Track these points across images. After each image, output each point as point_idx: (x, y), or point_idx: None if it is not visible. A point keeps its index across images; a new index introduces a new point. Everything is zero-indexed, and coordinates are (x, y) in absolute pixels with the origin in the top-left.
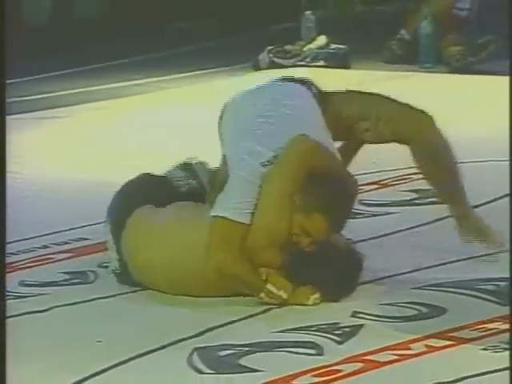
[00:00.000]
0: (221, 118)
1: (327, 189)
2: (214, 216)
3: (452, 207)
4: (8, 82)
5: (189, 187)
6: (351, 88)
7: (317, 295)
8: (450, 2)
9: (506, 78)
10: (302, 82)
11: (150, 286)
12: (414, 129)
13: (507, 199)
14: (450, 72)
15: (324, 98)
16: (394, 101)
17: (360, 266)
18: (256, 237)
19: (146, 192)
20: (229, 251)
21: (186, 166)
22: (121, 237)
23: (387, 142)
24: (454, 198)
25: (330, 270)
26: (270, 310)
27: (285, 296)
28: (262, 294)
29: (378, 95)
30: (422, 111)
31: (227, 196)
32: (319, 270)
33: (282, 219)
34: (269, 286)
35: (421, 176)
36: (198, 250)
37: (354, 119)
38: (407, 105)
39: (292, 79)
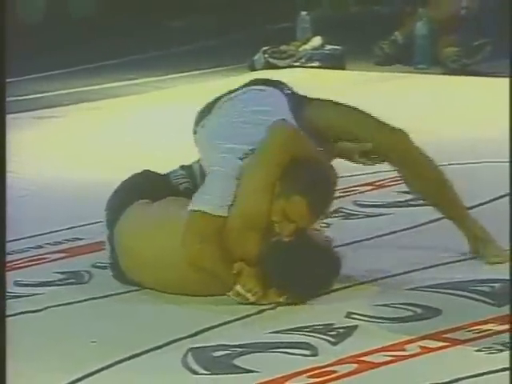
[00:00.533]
0: (200, 117)
1: (307, 172)
2: (192, 210)
3: (450, 215)
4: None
5: (186, 186)
6: (346, 89)
7: (287, 295)
8: (453, 9)
9: (501, 80)
10: (278, 86)
11: (137, 279)
12: (392, 145)
13: (503, 200)
14: (445, 73)
15: (299, 101)
16: (371, 116)
17: (337, 266)
18: (236, 221)
19: (143, 188)
20: (204, 243)
21: (185, 166)
22: (114, 228)
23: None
24: (448, 208)
25: (305, 267)
26: (264, 310)
27: (252, 299)
28: (231, 293)
29: (354, 109)
30: (395, 127)
31: (205, 191)
32: (295, 266)
33: (263, 204)
34: (237, 288)
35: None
36: (177, 243)
37: (328, 128)
38: (382, 121)
39: (266, 81)
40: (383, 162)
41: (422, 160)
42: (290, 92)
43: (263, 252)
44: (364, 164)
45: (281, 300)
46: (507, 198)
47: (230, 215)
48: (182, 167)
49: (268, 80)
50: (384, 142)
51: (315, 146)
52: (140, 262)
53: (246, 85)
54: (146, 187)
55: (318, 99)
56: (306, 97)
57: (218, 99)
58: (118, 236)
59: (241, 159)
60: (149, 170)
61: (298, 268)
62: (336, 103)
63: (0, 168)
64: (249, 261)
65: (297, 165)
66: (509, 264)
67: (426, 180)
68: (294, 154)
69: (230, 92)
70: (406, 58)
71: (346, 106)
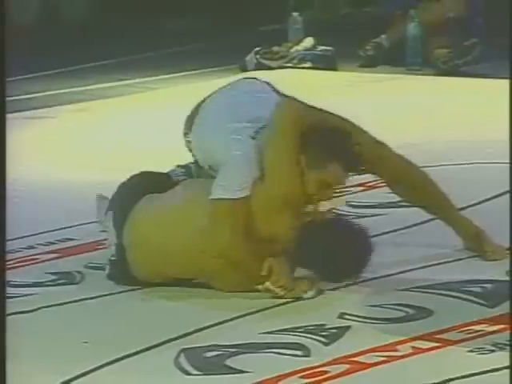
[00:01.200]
0: (191, 118)
1: (330, 137)
2: (212, 200)
3: (441, 218)
4: None
5: None
6: (338, 90)
7: (315, 289)
8: (443, 13)
9: (491, 81)
10: (264, 81)
11: (140, 272)
12: (378, 157)
13: (493, 201)
14: (436, 74)
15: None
16: (357, 127)
17: (370, 247)
18: (266, 200)
19: (147, 184)
20: (233, 234)
21: (182, 165)
22: (123, 226)
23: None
24: (441, 209)
25: (338, 249)
26: (257, 311)
27: (282, 293)
28: (260, 287)
29: (355, 126)
30: (378, 140)
31: (222, 177)
32: (329, 248)
33: (292, 178)
34: (267, 284)
35: None
36: (187, 230)
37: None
38: (367, 133)
39: (253, 78)
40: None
41: (405, 167)
42: (277, 90)
43: (298, 236)
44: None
45: (308, 294)
46: (497, 199)
47: (259, 195)
48: (180, 166)
49: (253, 77)
50: (370, 155)
51: (324, 114)
52: (152, 255)
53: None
54: (150, 184)
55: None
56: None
57: (202, 101)
58: (131, 231)
59: (253, 138)
60: (147, 171)
61: (333, 249)
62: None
63: (0, 168)
64: (280, 243)
65: (316, 134)
66: (509, 263)
67: (413, 186)
68: (307, 126)
69: (215, 91)
70: (395, 59)
71: (344, 119)
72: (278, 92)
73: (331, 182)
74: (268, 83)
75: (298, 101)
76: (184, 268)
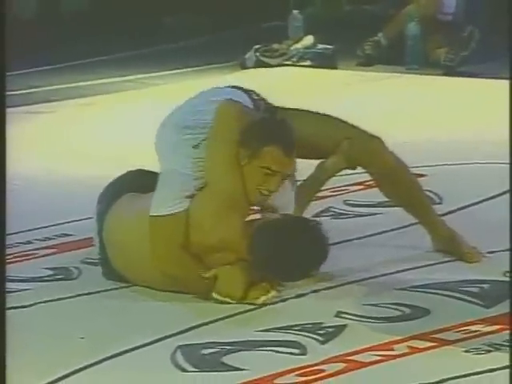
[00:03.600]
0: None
1: (264, 124)
2: (151, 216)
3: (420, 220)
4: None
5: None
6: (338, 88)
7: (270, 294)
8: (436, 7)
9: (492, 81)
10: (247, 91)
11: (126, 274)
12: (369, 152)
13: (493, 201)
14: (440, 74)
15: (270, 109)
16: (349, 124)
17: (325, 245)
18: (212, 204)
19: (135, 183)
20: (170, 250)
21: None
22: (103, 222)
23: (340, 169)
24: (420, 211)
25: (294, 247)
26: (253, 309)
27: (232, 301)
28: (211, 300)
29: (330, 117)
30: (373, 135)
31: (158, 193)
32: (283, 247)
33: (234, 178)
34: (214, 295)
35: None
36: (145, 238)
37: (304, 139)
38: (360, 128)
39: (237, 87)
40: (354, 168)
41: (395, 166)
42: (259, 98)
43: (249, 237)
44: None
45: (261, 300)
46: (497, 199)
47: (205, 203)
48: None
49: (238, 86)
50: (365, 150)
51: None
52: (127, 255)
53: (216, 87)
54: (138, 182)
55: (295, 109)
56: (280, 107)
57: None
58: (107, 229)
59: (195, 147)
60: (143, 169)
61: (288, 248)
62: (314, 113)
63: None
64: (232, 250)
65: (250, 127)
66: (509, 264)
67: (398, 185)
68: (245, 124)
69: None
70: (394, 58)
71: (324, 115)
72: (257, 101)
73: (270, 165)
74: (249, 93)
75: (238, 103)
76: (154, 277)
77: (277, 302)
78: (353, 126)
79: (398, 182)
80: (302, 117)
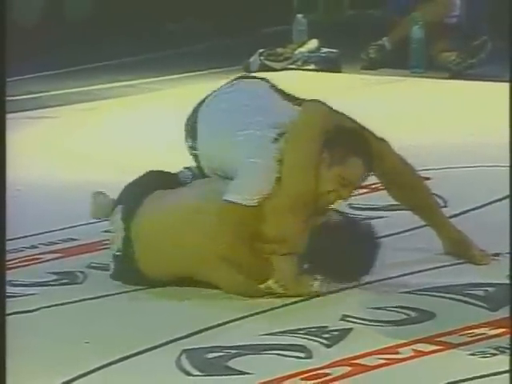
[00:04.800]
0: (191, 123)
1: (350, 136)
2: (226, 200)
3: (429, 222)
4: None
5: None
6: (343, 92)
7: (318, 282)
8: (441, 12)
9: (496, 84)
10: (260, 78)
11: (148, 267)
12: (376, 154)
13: (498, 204)
14: (445, 77)
15: (289, 97)
16: (357, 123)
17: (377, 246)
18: (282, 201)
19: (158, 182)
20: (238, 238)
21: (190, 168)
22: (131, 220)
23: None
24: (428, 213)
25: (346, 251)
26: (259, 312)
27: (283, 292)
28: (263, 285)
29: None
30: (380, 137)
31: (239, 181)
32: (340, 249)
33: (311, 180)
34: (270, 283)
35: None
36: (196, 228)
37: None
38: (369, 130)
39: (249, 77)
40: None
41: (402, 168)
42: (275, 86)
43: (310, 237)
44: None
45: (315, 287)
46: (500, 203)
47: (275, 197)
48: (187, 168)
49: (253, 76)
50: (374, 155)
51: (347, 117)
52: (161, 250)
53: (228, 82)
54: (160, 181)
55: (306, 99)
56: (293, 96)
57: (199, 104)
58: (138, 227)
59: (273, 142)
60: (162, 170)
61: (344, 251)
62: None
63: (0, 168)
64: (290, 243)
65: (338, 133)
66: (509, 267)
67: (405, 187)
68: (331, 127)
69: (212, 92)
70: (399, 62)
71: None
72: (278, 90)
73: (350, 177)
74: (267, 81)
75: (324, 104)
76: (189, 266)
77: (283, 305)
78: (362, 127)
79: (405, 185)
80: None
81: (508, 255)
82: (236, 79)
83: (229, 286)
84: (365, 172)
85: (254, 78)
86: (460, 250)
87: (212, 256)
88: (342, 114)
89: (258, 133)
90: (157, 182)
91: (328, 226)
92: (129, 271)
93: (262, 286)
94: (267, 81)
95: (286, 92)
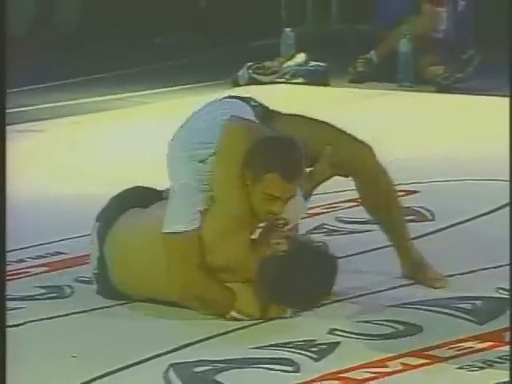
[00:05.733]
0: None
1: (267, 147)
2: (166, 233)
3: (391, 238)
4: None
5: None
6: (331, 106)
7: (287, 312)
8: (428, 25)
9: (484, 98)
10: (244, 99)
11: (129, 290)
12: (355, 157)
13: (485, 218)
14: (432, 91)
15: (268, 114)
16: (340, 130)
17: (335, 267)
18: (220, 224)
19: (136, 199)
20: (189, 271)
21: None
22: (105, 238)
23: (329, 176)
24: (395, 230)
25: (303, 275)
26: (247, 326)
27: (250, 319)
28: (227, 316)
29: (325, 123)
30: (362, 141)
31: (172, 209)
32: (293, 277)
33: (241, 201)
34: (233, 313)
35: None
36: (158, 252)
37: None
38: (353, 136)
39: (235, 97)
40: (346, 176)
41: (379, 175)
42: (257, 104)
43: (258, 268)
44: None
45: (286, 315)
46: (489, 216)
47: (209, 222)
48: None
49: (236, 96)
50: (352, 154)
51: (270, 131)
52: (131, 269)
53: (219, 98)
54: (138, 199)
55: (289, 114)
56: (275, 111)
57: (185, 121)
58: (111, 245)
59: (202, 162)
60: (141, 185)
61: (298, 277)
62: (307, 117)
63: (0, 179)
64: (240, 271)
65: (254, 149)
66: (509, 278)
67: (380, 196)
68: (251, 144)
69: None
70: (386, 75)
71: (317, 120)
72: (257, 107)
73: (272, 191)
74: (247, 100)
75: (243, 121)
76: (159, 288)
77: (270, 320)
78: (340, 131)
79: (380, 194)
80: (293, 122)
81: (495, 269)
82: (223, 98)
83: (199, 309)
84: (288, 183)
85: (239, 97)
86: (417, 273)
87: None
88: (281, 120)
89: (192, 152)
90: (135, 199)
91: (273, 257)
92: (106, 288)
93: (227, 316)
94: (248, 100)
95: (269, 111)
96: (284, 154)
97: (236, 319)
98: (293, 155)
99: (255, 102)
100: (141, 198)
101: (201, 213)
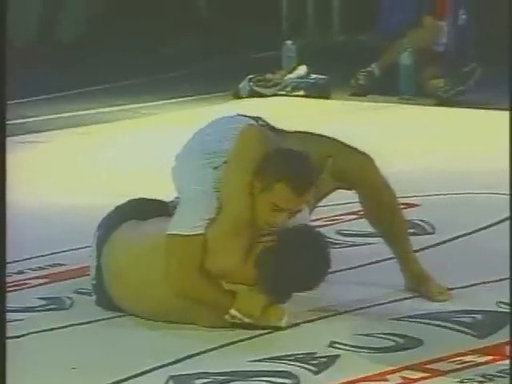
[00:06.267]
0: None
1: (280, 158)
2: (169, 235)
3: (394, 250)
4: None
5: None
6: (332, 118)
7: (285, 318)
8: (429, 38)
9: (485, 111)
10: (252, 117)
11: (122, 304)
12: (356, 169)
13: (486, 231)
14: (434, 104)
15: (275, 134)
16: (342, 143)
17: (327, 252)
18: (224, 226)
19: (136, 210)
20: (189, 272)
21: None
22: (103, 249)
23: (332, 189)
24: (398, 243)
25: (299, 261)
26: (247, 338)
27: (250, 321)
28: (226, 316)
29: (327, 137)
30: (363, 152)
31: (180, 212)
32: (288, 264)
33: (246, 208)
34: (232, 311)
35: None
36: (154, 265)
37: None
38: (352, 147)
39: (243, 115)
40: (349, 188)
41: (382, 187)
42: (265, 124)
43: (255, 261)
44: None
45: (281, 324)
46: (491, 229)
47: (216, 226)
48: (178, 198)
49: (245, 114)
50: (356, 168)
51: (283, 141)
52: (126, 282)
53: (227, 116)
54: (139, 210)
55: (293, 131)
56: (281, 129)
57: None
58: (106, 256)
59: (215, 168)
60: (144, 197)
61: (291, 264)
62: (309, 132)
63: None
64: (235, 274)
65: (268, 158)
66: (509, 291)
67: (382, 208)
68: (265, 153)
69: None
70: (387, 88)
71: (318, 134)
72: (264, 127)
73: (279, 203)
74: (256, 119)
75: (262, 128)
76: (153, 305)
77: (270, 332)
78: (342, 144)
79: (382, 205)
80: (297, 138)
81: (495, 282)
82: (231, 116)
83: (196, 320)
84: (298, 197)
85: (247, 116)
86: (420, 285)
87: (170, 294)
88: (286, 137)
89: (205, 161)
90: (135, 210)
91: (268, 249)
92: (104, 300)
93: (227, 316)
94: (257, 119)
95: (275, 130)
96: (298, 167)
97: (235, 318)
98: (306, 170)
99: (263, 121)
100: (142, 209)
101: (209, 220)
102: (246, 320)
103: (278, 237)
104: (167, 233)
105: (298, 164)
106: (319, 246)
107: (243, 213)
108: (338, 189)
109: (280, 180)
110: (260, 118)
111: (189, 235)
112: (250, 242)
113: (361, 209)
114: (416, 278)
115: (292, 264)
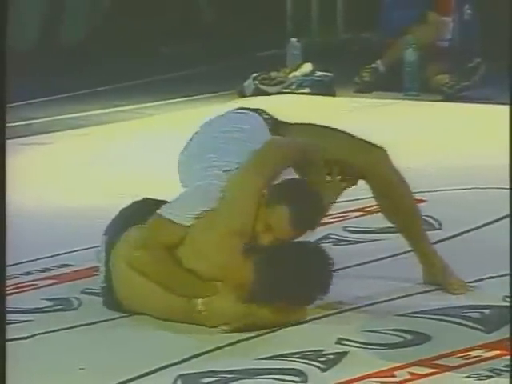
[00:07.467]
0: (186, 145)
1: (294, 184)
2: (157, 214)
3: (412, 244)
4: None
5: None
6: (336, 116)
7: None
8: (434, 34)
9: (490, 106)
10: (255, 110)
11: (130, 305)
12: (370, 163)
13: (492, 226)
14: (439, 100)
15: (279, 126)
16: (353, 136)
17: (330, 266)
18: (221, 225)
19: (143, 213)
20: (150, 249)
21: None
22: (111, 252)
23: (349, 185)
24: (416, 236)
25: (298, 274)
26: (254, 336)
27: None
28: (190, 305)
29: (335, 129)
30: (376, 145)
31: (176, 199)
32: (287, 277)
33: (251, 210)
34: (199, 302)
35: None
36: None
37: None
38: (364, 140)
39: (246, 109)
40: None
41: (396, 180)
42: (268, 117)
43: (253, 268)
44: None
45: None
46: (497, 224)
47: (209, 226)
48: None
49: (247, 107)
50: (366, 160)
51: (290, 135)
52: (132, 284)
53: (230, 110)
54: (146, 212)
55: (299, 123)
56: (286, 122)
57: (201, 127)
58: (114, 260)
59: (225, 171)
60: (149, 198)
61: (291, 275)
62: (318, 126)
63: (0, 193)
64: (229, 276)
65: (285, 180)
66: (509, 288)
67: (397, 202)
68: (284, 167)
69: (209, 120)
70: (392, 85)
71: (326, 127)
72: (268, 119)
73: (272, 223)
74: (259, 112)
75: (286, 140)
76: (160, 307)
77: (277, 330)
78: (353, 137)
79: (397, 197)
80: (305, 131)
81: (502, 277)
82: (235, 110)
83: (165, 312)
84: (292, 228)
85: (251, 109)
86: (439, 278)
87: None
88: (294, 130)
89: (215, 163)
90: (141, 213)
91: (268, 255)
92: (113, 302)
93: (190, 305)
94: (260, 112)
95: (280, 122)
96: (307, 200)
97: (197, 310)
98: (314, 210)
99: (267, 114)
100: (146, 211)
101: (200, 216)
102: (204, 316)
103: (278, 248)
104: (157, 211)
105: (308, 198)
106: (321, 263)
107: (246, 222)
108: (352, 186)
109: (284, 204)
110: (264, 111)
111: (176, 223)
112: (243, 245)
113: (368, 205)
114: (436, 271)
115: (290, 277)
